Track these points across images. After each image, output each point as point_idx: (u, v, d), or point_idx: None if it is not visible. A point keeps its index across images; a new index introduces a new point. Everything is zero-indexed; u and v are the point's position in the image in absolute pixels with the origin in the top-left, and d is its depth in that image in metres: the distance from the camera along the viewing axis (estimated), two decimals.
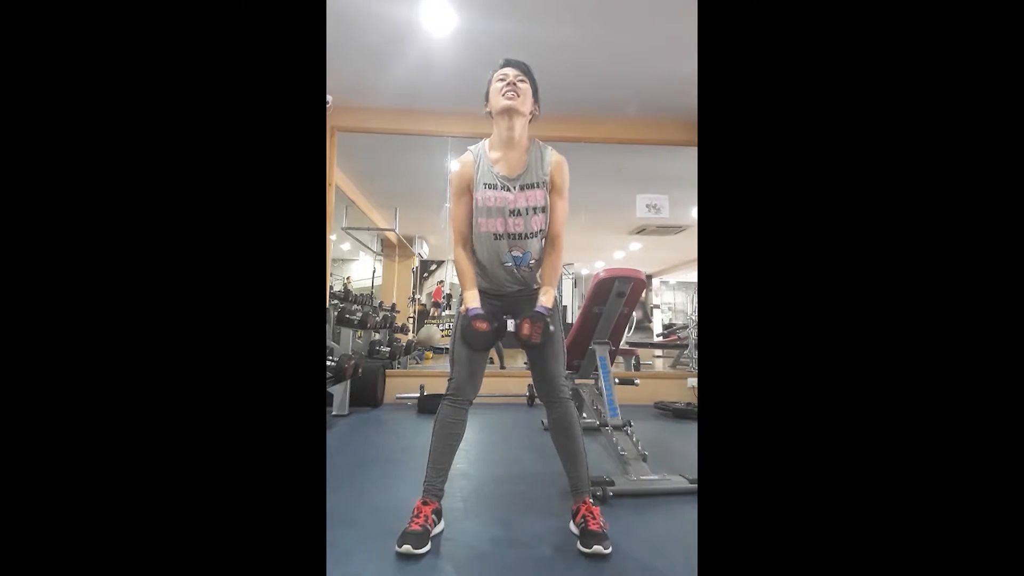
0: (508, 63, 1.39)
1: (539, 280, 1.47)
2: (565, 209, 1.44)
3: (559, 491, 1.72)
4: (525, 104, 1.37)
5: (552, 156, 1.41)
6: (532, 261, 1.43)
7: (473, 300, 1.40)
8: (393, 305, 6.17)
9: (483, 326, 1.36)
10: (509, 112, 1.35)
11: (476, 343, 1.38)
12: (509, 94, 1.34)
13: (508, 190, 1.38)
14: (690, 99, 3.24)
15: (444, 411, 1.43)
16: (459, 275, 1.45)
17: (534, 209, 1.38)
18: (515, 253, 1.41)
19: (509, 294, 1.49)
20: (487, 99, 1.40)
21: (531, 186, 1.38)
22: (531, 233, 1.39)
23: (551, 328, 1.36)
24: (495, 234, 1.39)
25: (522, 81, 1.37)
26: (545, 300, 1.40)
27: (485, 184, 1.38)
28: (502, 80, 1.37)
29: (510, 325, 1.51)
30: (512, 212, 1.37)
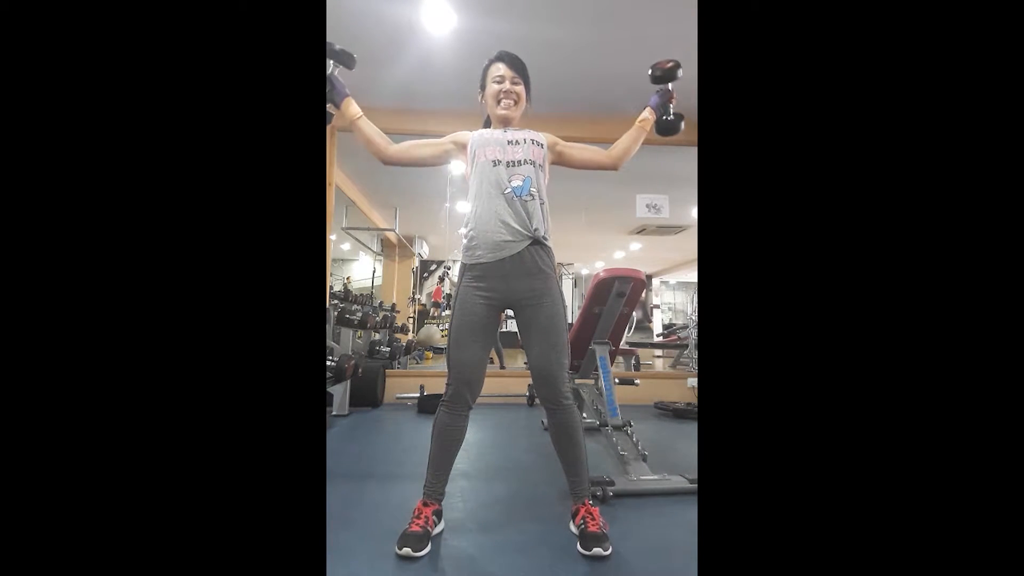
0: (501, 57, 1.44)
1: (545, 235, 1.39)
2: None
3: (559, 492, 1.72)
4: (520, 108, 1.46)
5: (545, 135, 1.50)
6: (533, 189, 1.37)
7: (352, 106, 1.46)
8: (393, 305, 6.18)
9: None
10: (505, 119, 1.45)
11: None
12: (506, 103, 1.43)
13: (505, 131, 1.45)
14: (690, 99, 3.23)
15: (442, 417, 1.40)
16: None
17: (532, 140, 1.43)
18: (515, 182, 1.37)
19: (510, 261, 1.35)
20: (483, 89, 1.47)
21: (526, 131, 1.46)
22: (528, 159, 1.40)
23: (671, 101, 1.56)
24: (494, 160, 1.40)
25: (516, 83, 1.44)
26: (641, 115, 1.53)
27: (484, 133, 1.47)
28: (498, 83, 1.43)
29: (510, 324, 1.50)
30: (510, 142, 1.42)
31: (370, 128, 1.49)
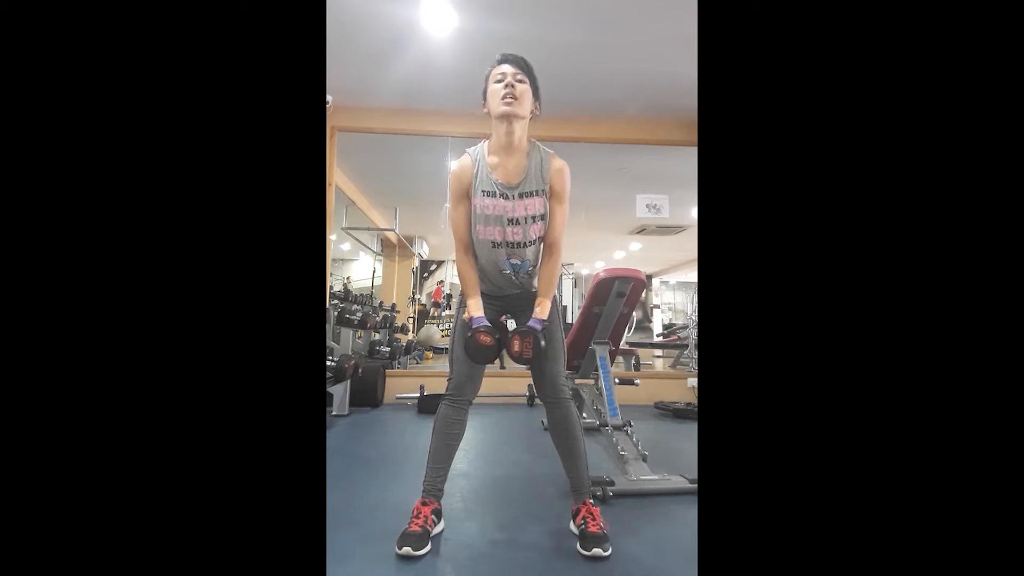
0: (505, 59, 1.33)
1: (536, 285, 1.46)
2: (565, 215, 1.40)
3: (559, 491, 1.72)
4: (524, 107, 1.32)
5: (554, 163, 1.37)
6: (531, 268, 1.43)
7: (477, 309, 1.38)
8: (393, 305, 6.17)
9: (487, 340, 1.34)
10: (508, 117, 1.31)
11: (479, 356, 1.36)
12: (507, 99, 1.29)
13: (507, 198, 1.35)
14: (690, 99, 3.24)
15: (444, 411, 1.43)
16: (462, 282, 1.42)
17: (532, 218, 1.36)
18: (513, 261, 1.41)
19: (509, 295, 1.49)
20: (485, 97, 1.35)
21: (530, 194, 1.35)
22: (529, 242, 1.38)
23: (542, 343, 1.33)
24: (493, 242, 1.38)
25: (520, 81, 1.31)
26: (540, 312, 1.37)
27: (484, 191, 1.35)
28: (499, 81, 1.31)
29: (510, 324, 1.51)
30: (511, 221, 1.35)
31: (471, 282, 1.42)
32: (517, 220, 1.35)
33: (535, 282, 1.46)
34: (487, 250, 1.40)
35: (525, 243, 1.38)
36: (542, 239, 1.41)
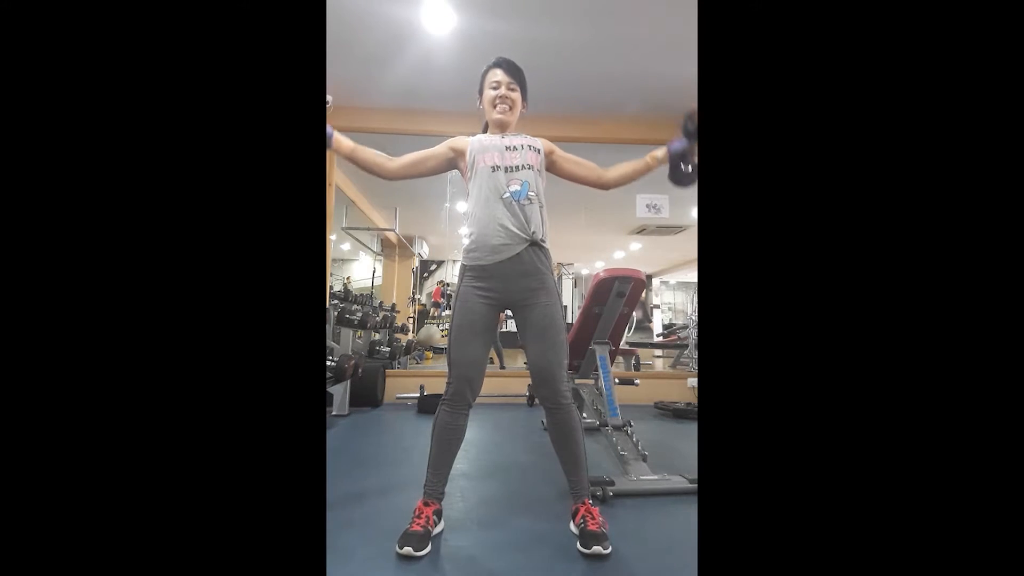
0: (499, 64, 1.47)
1: (543, 237, 1.41)
2: None
3: (558, 491, 1.72)
4: (515, 113, 1.48)
5: (541, 139, 1.52)
6: (531, 193, 1.39)
7: (344, 140, 1.46)
8: (393, 305, 6.17)
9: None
10: (501, 123, 1.47)
11: None
12: (501, 108, 1.46)
13: (503, 137, 1.47)
14: (690, 99, 3.23)
15: (443, 416, 1.41)
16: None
17: (529, 147, 1.44)
18: (513, 187, 1.38)
19: (508, 263, 1.37)
20: (480, 95, 1.50)
21: (524, 138, 1.47)
22: (527, 164, 1.42)
23: (691, 152, 1.43)
24: (493, 166, 1.41)
25: (513, 89, 1.46)
26: (660, 151, 1.47)
27: (482, 139, 1.47)
28: (495, 88, 1.46)
29: (510, 324, 1.50)
30: (508, 148, 1.43)
31: (367, 152, 1.49)
32: (514, 147, 1.43)
33: (543, 228, 1.41)
34: (486, 178, 1.40)
35: (522, 166, 1.42)
36: (539, 171, 1.45)
